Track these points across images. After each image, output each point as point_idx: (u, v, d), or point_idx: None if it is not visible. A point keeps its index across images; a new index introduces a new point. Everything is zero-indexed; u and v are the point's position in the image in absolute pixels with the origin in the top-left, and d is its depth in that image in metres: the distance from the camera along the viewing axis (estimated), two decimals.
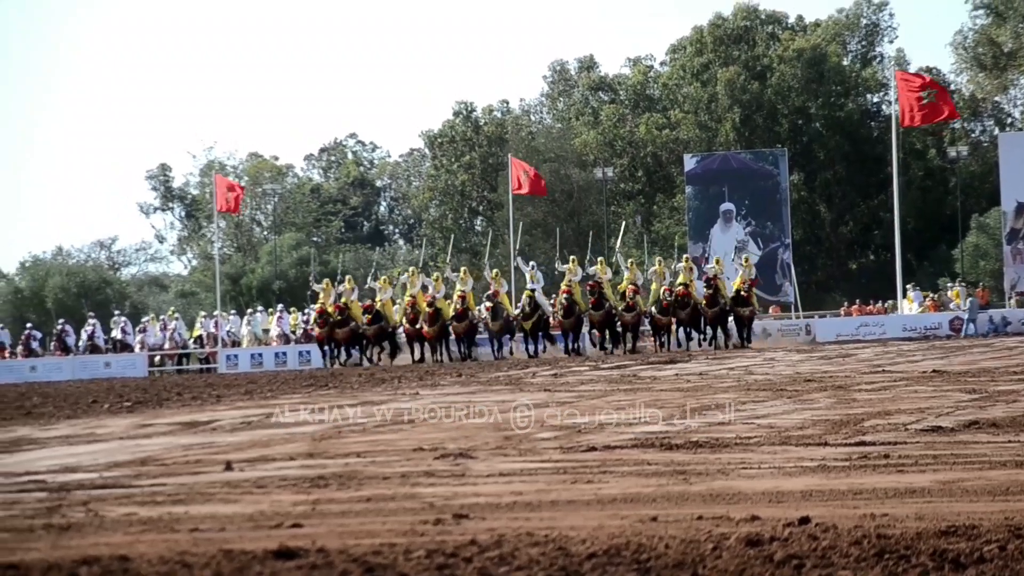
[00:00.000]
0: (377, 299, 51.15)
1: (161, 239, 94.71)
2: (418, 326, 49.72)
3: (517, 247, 54.83)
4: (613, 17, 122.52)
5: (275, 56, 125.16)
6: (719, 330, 50.13)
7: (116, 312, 49.50)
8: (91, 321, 57.46)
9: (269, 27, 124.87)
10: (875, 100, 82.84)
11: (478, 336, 52.27)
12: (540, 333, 51.07)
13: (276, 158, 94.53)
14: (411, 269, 53.17)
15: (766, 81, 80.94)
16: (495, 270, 53.72)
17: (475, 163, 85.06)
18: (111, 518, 8.98)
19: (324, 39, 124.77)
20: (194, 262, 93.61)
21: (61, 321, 59.32)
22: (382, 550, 7.39)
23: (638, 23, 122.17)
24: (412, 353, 50.81)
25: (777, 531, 7.73)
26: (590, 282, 50.47)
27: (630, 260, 52.59)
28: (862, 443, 12.41)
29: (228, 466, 11.87)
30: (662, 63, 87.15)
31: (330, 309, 50.35)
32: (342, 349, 51.43)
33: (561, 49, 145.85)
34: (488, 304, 50.55)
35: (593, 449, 12.37)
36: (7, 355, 58.92)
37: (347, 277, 53.75)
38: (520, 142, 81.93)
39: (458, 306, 50.43)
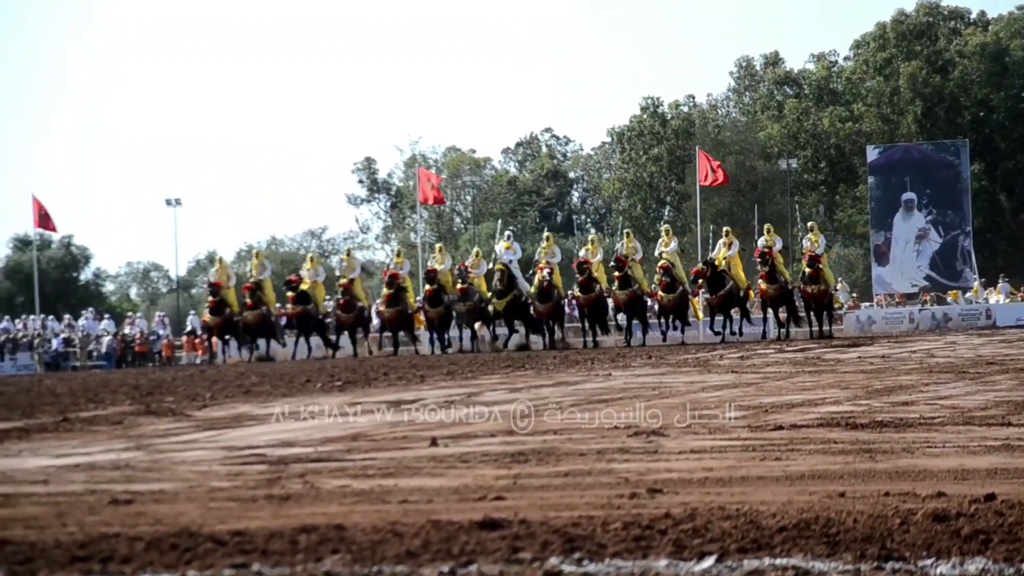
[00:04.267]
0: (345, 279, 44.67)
1: (365, 229, 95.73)
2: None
3: (701, 235, 53.15)
4: (798, 14, 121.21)
5: (475, 54, 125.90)
6: (779, 314, 43.43)
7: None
8: None
9: (472, 28, 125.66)
10: None
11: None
12: (517, 320, 43.78)
13: (474, 151, 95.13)
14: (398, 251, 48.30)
15: (948, 75, 79.61)
16: (476, 248, 47.98)
17: (663, 156, 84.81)
18: (326, 490, 9.12)
19: (521, 39, 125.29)
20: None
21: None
22: (581, 522, 7.41)
23: (822, 20, 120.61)
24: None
25: (963, 507, 7.60)
26: (577, 260, 44.06)
27: (626, 231, 46.36)
28: None
29: (433, 442, 11.97)
30: (845, 58, 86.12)
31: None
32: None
33: (747, 45, 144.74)
34: (461, 285, 43.16)
35: (780, 428, 12.27)
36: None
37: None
38: (706, 135, 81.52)
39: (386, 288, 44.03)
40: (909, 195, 66.85)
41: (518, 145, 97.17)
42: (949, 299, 59.96)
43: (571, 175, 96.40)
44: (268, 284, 45.26)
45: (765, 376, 21.13)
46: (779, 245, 44.06)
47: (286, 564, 6.65)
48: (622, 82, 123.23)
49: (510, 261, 43.00)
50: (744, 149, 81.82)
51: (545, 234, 45.90)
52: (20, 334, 56.93)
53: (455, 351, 42.83)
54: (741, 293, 43.34)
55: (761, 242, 44.05)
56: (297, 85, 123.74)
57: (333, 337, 45.72)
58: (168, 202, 67.54)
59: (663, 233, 45.45)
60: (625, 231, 46.35)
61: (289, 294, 44.23)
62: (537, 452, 10.90)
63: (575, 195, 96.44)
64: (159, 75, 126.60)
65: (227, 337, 45.84)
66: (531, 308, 43.36)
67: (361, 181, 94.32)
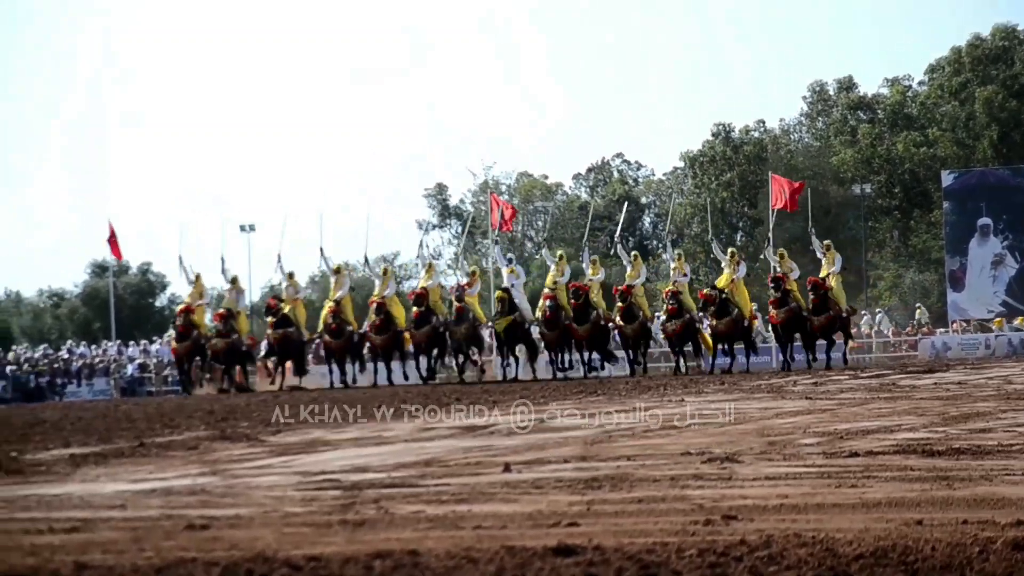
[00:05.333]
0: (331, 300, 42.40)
1: (437, 255, 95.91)
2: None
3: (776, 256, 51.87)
4: (872, 39, 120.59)
5: (547, 81, 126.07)
6: (792, 345, 40.79)
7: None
8: None
9: (542, 54, 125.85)
10: None
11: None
12: (519, 344, 41.74)
13: (546, 177, 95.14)
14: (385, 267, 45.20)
15: None
16: (474, 267, 45.25)
17: (734, 181, 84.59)
18: (400, 515, 9.12)
19: (592, 65, 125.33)
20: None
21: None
22: (655, 548, 7.38)
23: (897, 45, 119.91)
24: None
25: None
26: (575, 283, 41.27)
27: (634, 253, 44.74)
28: None
29: (507, 467, 11.96)
30: (920, 83, 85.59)
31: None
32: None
33: (820, 70, 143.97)
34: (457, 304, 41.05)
35: (856, 455, 12.18)
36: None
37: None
38: (779, 160, 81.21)
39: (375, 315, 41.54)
40: (985, 220, 66.26)
41: (589, 170, 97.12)
42: (1016, 323, 59.36)
43: (642, 200, 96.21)
44: (243, 313, 43.79)
45: (840, 402, 20.99)
46: (796, 273, 41.64)
47: None
48: (694, 107, 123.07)
49: (512, 285, 41.60)
50: (817, 174, 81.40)
51: (558, 253, 44.00)
52: (97, 360, 57.43)
53: (444, 378, 41.83)
54: (746, 323, 41.29)
55: (774, 267, 41.78)
56: (372, 111, 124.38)
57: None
58: (242, 228, 67.91)
59: (674, 259, 43.22)
60: (633, 253, 44.60)
61: (269, 319, 42.42)
62: (611, 478, 10.87)
63: (647, 220, 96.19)
64: (235, 101, 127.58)
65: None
66: (534, 333, 42.19)
67: (432, 207, 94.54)
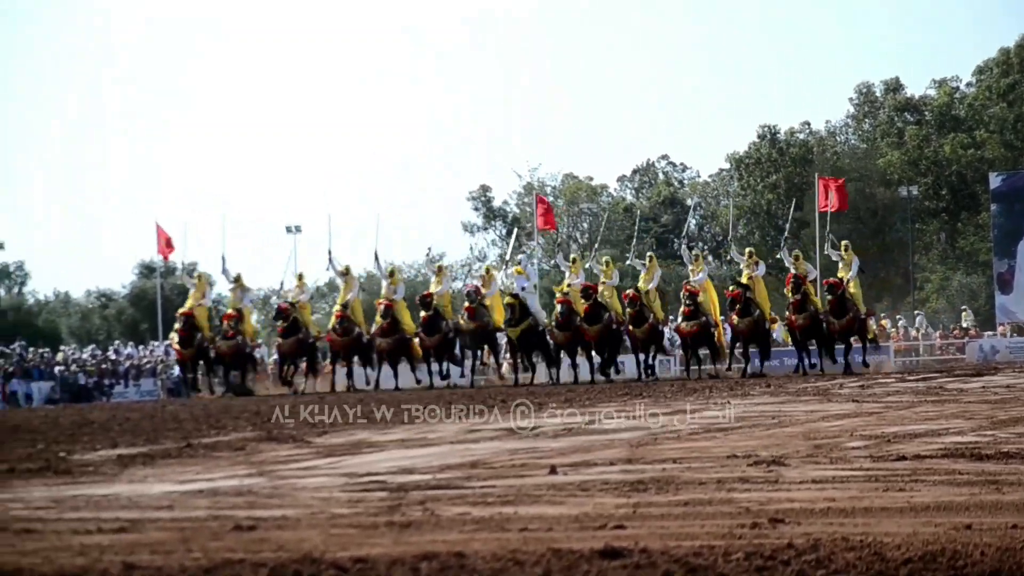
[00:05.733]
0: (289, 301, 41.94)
1: (482, 257, 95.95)
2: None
3: (821, 263, 51.19)
4: (919, 40, 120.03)
5: (591, 82, 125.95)
6: (810, 348, 39.28)
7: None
8: None
9: (587, 55, 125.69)
10: None
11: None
12: (534, 349, 40.62)
13: (591, 179, 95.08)
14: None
15: None
16: (488, 267, 44.84)
17: (780, 183, 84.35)
18: (446, 517, 9.13)
19: (637, 66, 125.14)
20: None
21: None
22: (702, 551, 7.36)
23: (944, 46, 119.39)
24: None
25: None
26: (587, 284, 39.95)
27: (649, 255, 43.24)
28: None
29: (553, 470, 11.95)
30: (968, 84, 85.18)
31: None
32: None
33: (867, 72, 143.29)
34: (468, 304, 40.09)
35: (903, 458, 12.12)
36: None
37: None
38: (825, 162, 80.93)
39: (381, 319, 40.69)
40: None
41: (634, 172, 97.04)
42: None
43: (688, 202, 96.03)
44: (247, 313, 43.00)
45: (887, 405, 20.89)
46: (812, 274, 40.87)
47: None
48: (739, 109, 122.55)
49: (522, 288, 40.30)
50: (863, 176, 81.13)
51: (572, 256, 43.84)
52: (144, 360, 57.67)
53: (453, 382, 40.96)
54: (766, 324, 40.24)
55: (791, 268, 39.96)
56: (416, 113, 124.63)
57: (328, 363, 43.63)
58: (288, 229, 68.01)
59: (692, 260, 42.12)
60: (648, 255, 43.41)
61: (280, 324, 41.89)
62: (656, 481, 10.85)
63: (693, 222, 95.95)
64: (280, 104, 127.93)
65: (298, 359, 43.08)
66: (548, 336, 40.78)
67: (477, 208, 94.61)
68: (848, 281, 39.03)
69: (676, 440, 15.19)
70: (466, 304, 40.48)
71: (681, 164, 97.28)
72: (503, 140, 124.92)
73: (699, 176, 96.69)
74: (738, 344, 40.93)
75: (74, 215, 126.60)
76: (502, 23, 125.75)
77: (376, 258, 44.04)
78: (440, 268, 44.24)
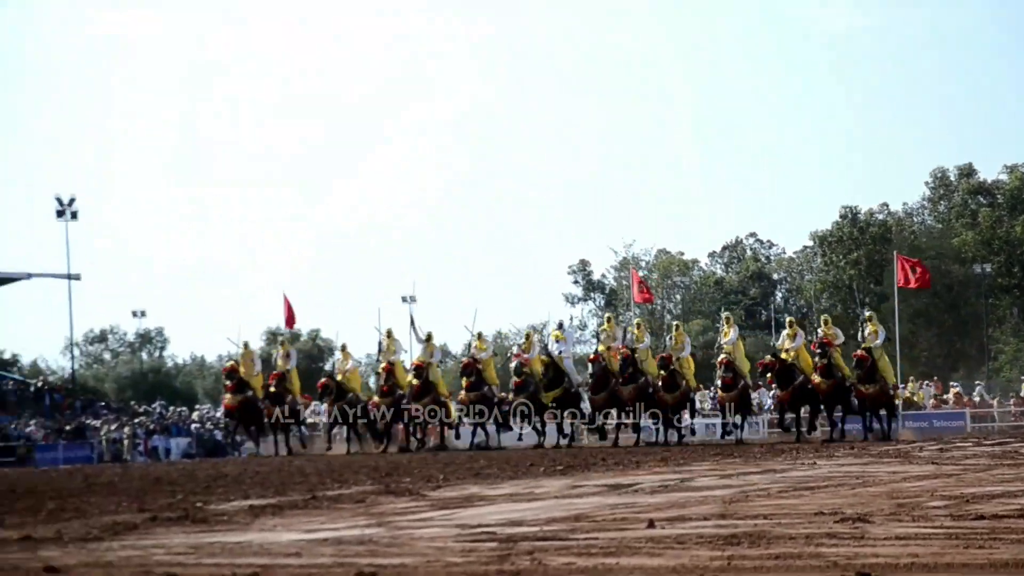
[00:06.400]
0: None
1: (583, 326, 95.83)
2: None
3: (899, 334, 50.08)
4: (991, 127, 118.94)
5: (683, 163, 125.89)
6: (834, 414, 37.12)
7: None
8: None
9: (679, 138, 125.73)
10: None
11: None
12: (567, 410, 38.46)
13: (683, 254, 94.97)
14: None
15: None
16: (528, 331, 42.75)
17: (861, 260, 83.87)
18: (553, 567, 9.07)
19: (727, 149, 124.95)
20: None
21: None
22: None
23: (1015, 132, 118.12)
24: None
25: None
26: (623, 349, 37.80)
27: (675, 324, 42.32)
28: None
29: (651, 524, 11.86)
30: None
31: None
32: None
33: (942, 157, 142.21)
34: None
35: (982, 517, 11.88)
36: None
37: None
38: (903, 241, 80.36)
39: (414, 379, 38.93)
40: None
41: (724, 248, 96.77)
42: None
43: (774, 276, 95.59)
44: (294, 375, 41.84)
45: (964, 468, 20.56)
46: (840, 339, 38.08)
47: None
48: (822, 190, 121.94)
49: (559, 352, 38.62)
50: (939, 254, 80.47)
51: (605, 315, 42.30)
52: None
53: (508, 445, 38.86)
54: (810, 385, 37.22)
55: (819, 332, 37.84)
56: (521, 190, 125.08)
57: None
58: (404, 299, 68.38)
59: (723, 322, 39.78)
60: (675, 324, 42.12)
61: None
62: (749, 535, 10.73)
63: (778, 295, 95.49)
64: (397, 177, 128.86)
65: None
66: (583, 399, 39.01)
67: (577, 281, 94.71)
68: (873, 350, 37.02)
69: (766, 497, 15.05)
70: (514, 379, 38.66)
71: (768, 241, 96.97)
72: (601, 217, 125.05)
73: (784, 252, 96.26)
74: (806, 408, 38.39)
75: (209, 285, 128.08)
76: (594, 113, 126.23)
77: (412, 322, 41.89)
78: (429, 336, 41.05)
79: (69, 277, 64.81)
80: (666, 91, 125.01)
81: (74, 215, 65.98)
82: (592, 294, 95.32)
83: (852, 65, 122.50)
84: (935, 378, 57.73)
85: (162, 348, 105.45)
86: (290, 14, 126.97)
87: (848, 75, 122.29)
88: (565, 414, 38.81)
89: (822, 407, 37.62)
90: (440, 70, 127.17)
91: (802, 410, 38.00)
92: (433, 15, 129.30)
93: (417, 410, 38.99)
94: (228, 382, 41.10)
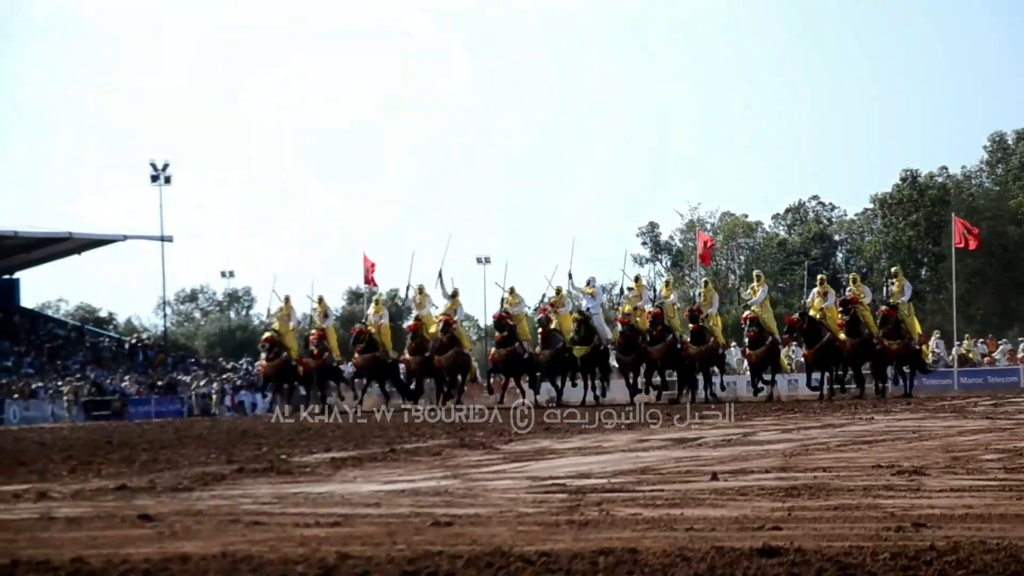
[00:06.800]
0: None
1: (650, 287, 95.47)
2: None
3: (956, 293, 49.33)
4: None
5: (750, 127, 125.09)
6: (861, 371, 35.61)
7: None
8: None
9: (747, 103, 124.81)
10: None
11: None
12: (596, 368, 36.90)
13: (747, 216, 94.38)
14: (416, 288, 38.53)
15: None
16: (559, 286, 38.00)
17: (920, 221, 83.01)
18: (620, 517, 9.09)
19: (790, 113, 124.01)
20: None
21: None
22: (851, 552, 7.23)
23: None
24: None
25: None
26: (652, 309, 36.20)
27: (704, 280, 40.17)
28: None
29: (714, 476, 11.86)
30: None
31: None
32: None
33: (1001, 121, 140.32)
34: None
35: None
36: None
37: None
38: (961, 203, 79.45)
39: (441, 334, 36.92)
40: None
41: (787, 211, 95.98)
42: None
43: (836, 238, 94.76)
44: (332, 332, 40.25)
45: (1018, 423, 20.38)
46: (869, 297, 36.56)
47: None
48: (883, 152, 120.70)
49: (588, 308, 36.73)
50: (996, 216, 79.47)
51: (634, 275, 39.00)
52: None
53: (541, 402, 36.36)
54: (837, 344, 35.50)
55: (847, 291, 36.48)
56: (591, 155, 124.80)
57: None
58: (479, 260, 68.49)
59: (754, 279, 38.26)
60: (704, 280, 39.87)
61: (358, 346, 38.64)
62: (809, 487, 10.71)
63: (839, 256, 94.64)
64: (475, 142, 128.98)
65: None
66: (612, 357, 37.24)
67: (645, 243, 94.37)
68: (899, 306, 35.66)
69: (826, 451, 15.00)
70: (539, 330, 36.98)
71: (830, 203, 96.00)
72: (670, 181, 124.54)
73: (846, 215, 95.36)
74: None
75: (293, 246, 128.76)
76: (665, 80, 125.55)
77: (440, 277, 38.71)
78: (455, 292, 38.77)
79: (162, 239, 65.34)
80: (733, 59, 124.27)
81: (167, 180, 66.44)
82: (660, 255, 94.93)
83: (913, 32, 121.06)
84: (990, 336, 57.15)
85: (249, 307, 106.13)
86: None
87: (909, 42, 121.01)
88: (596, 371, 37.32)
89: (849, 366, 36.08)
90: (510, 44, 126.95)
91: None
92: None
93: (440, 363, 37.24)
94: (265, 353, 39.71)
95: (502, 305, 38.48)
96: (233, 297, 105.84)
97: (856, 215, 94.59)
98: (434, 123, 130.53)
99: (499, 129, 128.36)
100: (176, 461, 15.77)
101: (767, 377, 36.87)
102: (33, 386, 54.22)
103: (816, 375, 36.34)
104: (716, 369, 38.50)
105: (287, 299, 40.38)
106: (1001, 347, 53.88)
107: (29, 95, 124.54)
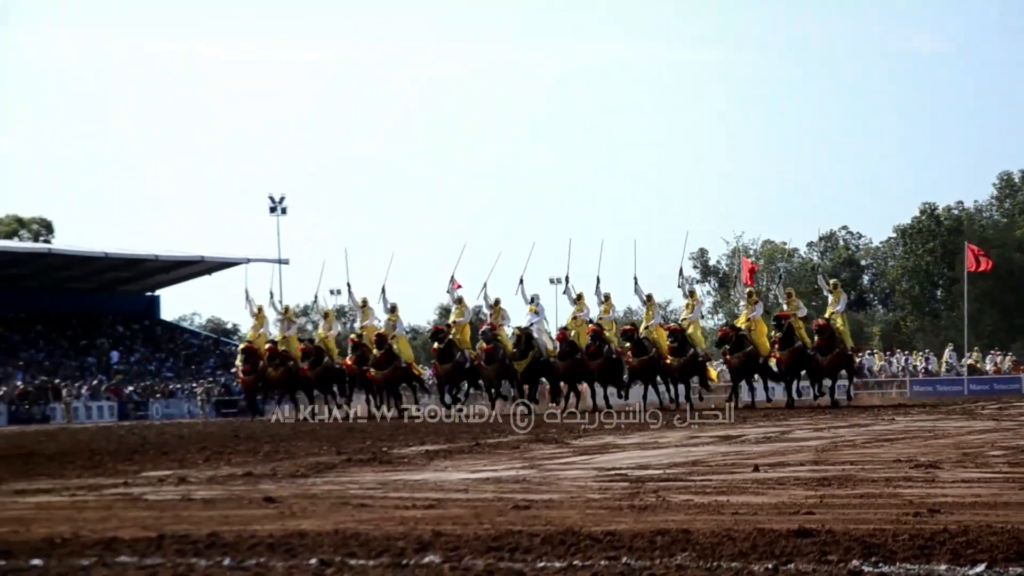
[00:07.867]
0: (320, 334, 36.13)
1: (701, 303, 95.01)
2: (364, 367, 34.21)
3: (968, 311, 48.60)
4: None
5: (787, 164, 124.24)
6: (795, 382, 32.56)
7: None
8: None
9: (781, 143, 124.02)
10: None
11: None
12: (538, 378, 33.82)
13: (785, 243, 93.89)
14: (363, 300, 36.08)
15: None
16: (497, 298, 33.94)
17: (937, 249, 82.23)
18: (674, 502, 9.12)
19: (822, 151, 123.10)
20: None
21: None
22: (875, 534, 7.22)
23: None
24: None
25: None
26: (592, 324, 32.83)
27: (648, 294, 34.58)
28: None
29: (756, 468, 11.84)
30: None
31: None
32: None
33: (1008, 161, 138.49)
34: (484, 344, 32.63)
35: None
36: None
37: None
38: (973, 232, 78.49)
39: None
40: None
41: (820, 238, 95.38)
42: None
43: (862, 263, 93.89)
44: (331, 341, 36.52)
45: (1021, 423, 20.12)
46: (803, 312, 33.17)
47: (646, 558, 6.68)
48: (905, 188, 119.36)
49: (530, 324, 33.39)
50: (1004, 244, 78.45)
51: (577, 293, 33.77)
52: (430, 382, 58.28)
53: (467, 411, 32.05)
54: (761, 360, 32.51)
55: (780, 306, 33.67)
56: (650, 186, 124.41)
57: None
58: (550, 280, 68.28)
59: (688, 297, 35.42)
60: (647, 294, 34.55)
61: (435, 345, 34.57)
62: (838, 478, 10.68)
63: (865, 278, 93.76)
64: (546, 170, 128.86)
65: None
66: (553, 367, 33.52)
67: (696, 266, 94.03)
68: (834, 317, 32.60)
69: (853, 447, 14.91)
70: (481, 345, 33.20)
71: (857, 232, 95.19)
72: (718, 211, 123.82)
73: (872, 242, 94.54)
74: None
75: (394, 266, 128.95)
76: (718, 123, 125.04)
77: (521, 283, 34.41)
78: (497, 301, 34.67)
79: (279, 262, 65.80)
80: (774, 109, 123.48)
81: (284, 210, 67.06)
82: (708, 277, 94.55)
83: (931, 82, 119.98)
84: (996, 348, 56.43)
85: (354, 321, 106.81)
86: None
87: (929, 90, 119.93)
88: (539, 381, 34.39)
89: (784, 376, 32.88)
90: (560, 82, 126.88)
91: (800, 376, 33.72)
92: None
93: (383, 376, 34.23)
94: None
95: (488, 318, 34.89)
96: (340, 312, 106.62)
97: (880, 243, 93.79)
98: (499, 150, 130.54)
99: (567, 163, 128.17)
100: (293, 452, 15.95)
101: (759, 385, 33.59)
102: (172, 387, 54.84)
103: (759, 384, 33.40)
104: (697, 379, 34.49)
105: (287, 308, 38.03)
106: (1007, 359, 53.26)
107: (165, 139, 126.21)
